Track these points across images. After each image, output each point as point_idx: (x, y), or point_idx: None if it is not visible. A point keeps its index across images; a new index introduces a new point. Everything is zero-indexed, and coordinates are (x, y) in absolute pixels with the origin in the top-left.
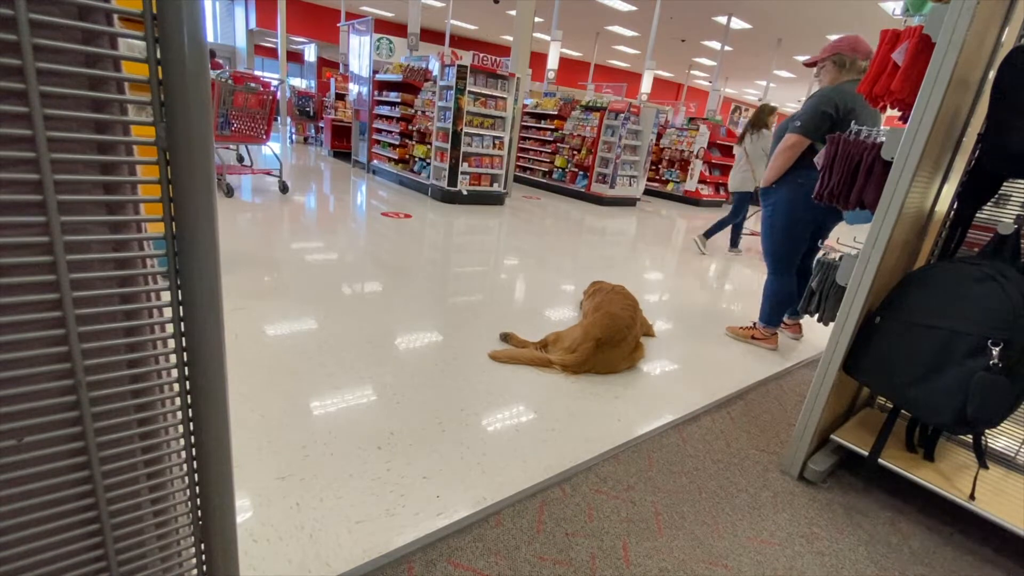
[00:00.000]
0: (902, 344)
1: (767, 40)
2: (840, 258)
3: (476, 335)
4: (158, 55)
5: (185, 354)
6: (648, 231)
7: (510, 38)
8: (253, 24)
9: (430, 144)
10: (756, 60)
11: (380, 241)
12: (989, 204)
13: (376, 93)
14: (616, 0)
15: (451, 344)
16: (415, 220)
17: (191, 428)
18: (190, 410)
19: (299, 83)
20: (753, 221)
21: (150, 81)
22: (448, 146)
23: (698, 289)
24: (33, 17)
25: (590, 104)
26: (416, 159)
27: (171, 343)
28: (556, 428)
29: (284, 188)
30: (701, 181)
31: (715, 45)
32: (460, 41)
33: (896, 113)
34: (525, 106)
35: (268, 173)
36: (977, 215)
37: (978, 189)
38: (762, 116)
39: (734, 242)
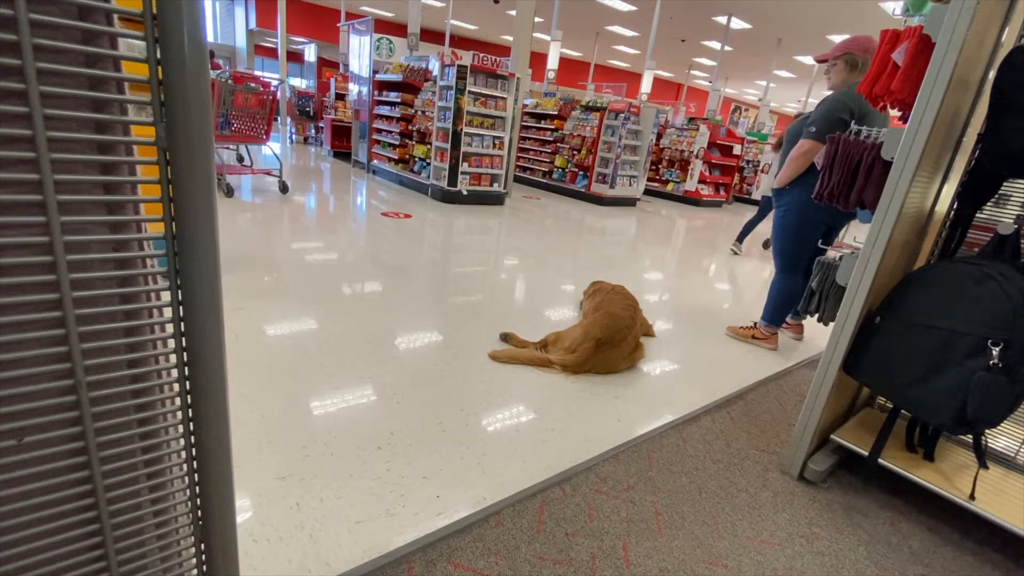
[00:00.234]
0: (902, 344)
1: (767, 40)
2: (840, 258)
3: (476, 335)
4: (158, 55)
5: (185, 354)
6: (648, 231)
7: (510, 38)
8: (253, 24)
9: (430, 144)
10: (756, 60)
11: (380, 241)
12: (989, 204)
13: (376, 93)
14: (616, 0)
15: (451, 344)
16: (415, 220)
17: (191, 428)
18: (190, 410)
19: (299, 83)
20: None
21: (150, 81)
22: (448, 146)
23: (698, 289)
24: (33, 17)
25: (590, 104)
26: (416, 159)
27: (171, 343)
28: (556, 428)
29: (284, 188)
30: (701, 181)
31: (715, 45)
32: (460, 41)
33: (896, 113)
34: (525, 106)
35: (268, 173)
36: (977, 215)
37: (978, 189)
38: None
39: (740, 238)
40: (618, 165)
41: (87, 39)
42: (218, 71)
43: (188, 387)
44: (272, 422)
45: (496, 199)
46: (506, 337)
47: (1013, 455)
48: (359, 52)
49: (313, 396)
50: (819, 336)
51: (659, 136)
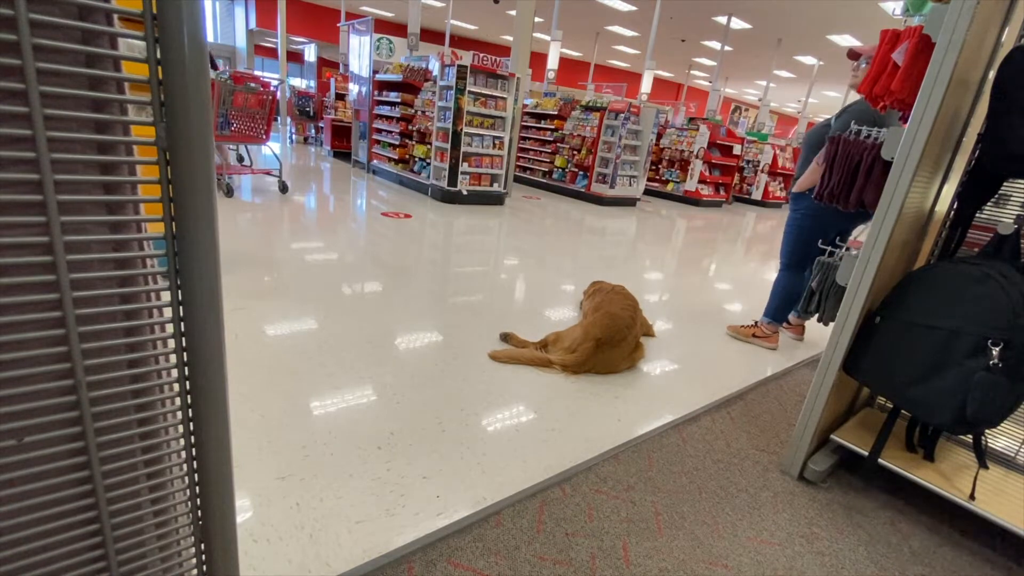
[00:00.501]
0: (902, 344)
1: (767, 40)
2: (840, 258)
3: (476, 335)
4: (158, 55)
5: (185, 354)
6: (648, 231)
7: (510, 38)
8: (253, 24)
9: (430, 144)
10: (756, 60)
11: (380, 241)
12: (989, 204)
13: (376, 93)
14: (616, 0)
15: (451, 344)
16: (415, 220)
17: (191, 428)
18: (190, 410)
19: (299, 83)
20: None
21: (150, 81)
22: (448, 146)
23: (698, 289)
24: (33, 17)
25: (590, 104)
26: (416, 159)
27: (171, 343)
28: (556, 428)
29: (284, 188)
30: (701, 181)
31: (715, 45)
32: (460, 41)
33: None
34: (525, 106)
35: (268, 173)
36: (977, 215)
37: (978, 189)
38: None
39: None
40: (618, 165)
41: (87, 39)
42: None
43: (188, 387)
44: (272, 422)
45: (496, 199)
46: (506, 337)
47: (1013, 455)
48: (359, 52)
49: (313, 396)
50: (819, 336)
51: (659, 136)
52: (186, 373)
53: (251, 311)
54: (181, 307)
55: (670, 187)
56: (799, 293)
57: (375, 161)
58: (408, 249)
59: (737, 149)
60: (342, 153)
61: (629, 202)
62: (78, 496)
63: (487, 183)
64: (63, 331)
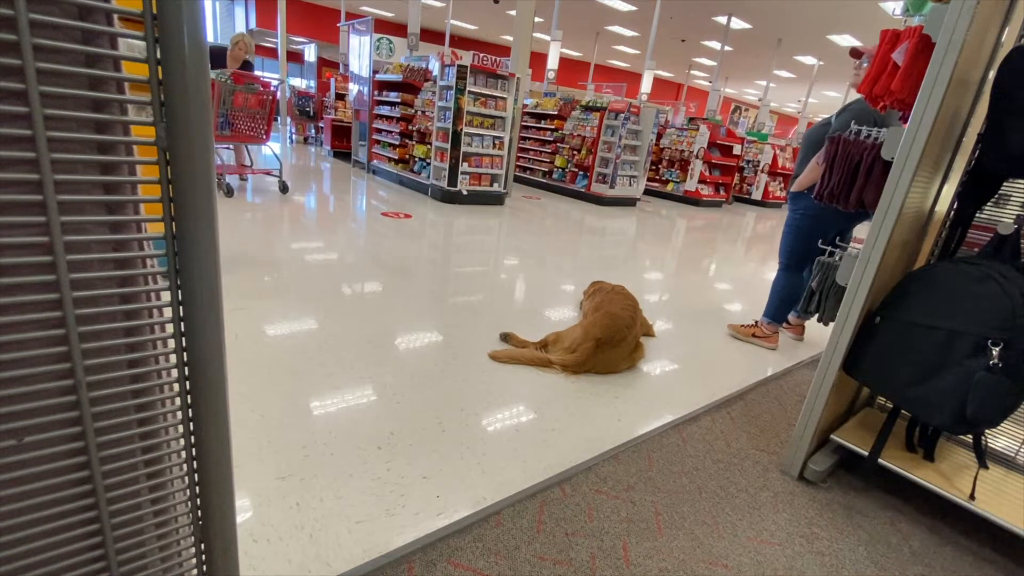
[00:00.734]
0: (902, 344)
1: (767, 40)
2: (840, 258)
3: (476, 335)
4: (158, 55)
5: (185, 354)
6: (648, 231)
7: (510, 38)
8: (253, 24)
9: (430, 144)
10: (756, 60)
11: (380, 241)
12: (989, 204)
13: (376, 93)
14: (616, 0)
15: (451, 344)
16: (415, 220)
17: (191, 428)
18: (190, 410)
19: (299, 83)
20: None
21: (150, 81)
22: (448, 146)
23: (698, 289)
24: (33, 17)
25: (590, 104)
26: (416, 159)
27: (171, 343)
28: (556, 428)
29: (284, 188)
30: (701, 181)
31: (715, 45)
32: (460, 41)
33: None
34: (525, 106)
35: (268, 173)
36: (977, 215)
37: (978, 189)
38: None
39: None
40: (618, 165)
41: (87, 39)
42: (218, 71)
43: (188, 387)
44: (272, 422)
45: (496, 199)
46: (506, 337)
47: (1013, 455)
48: (359, 52)
49: (313, 396)
50: (819, 336)
51: (659, 136)
52: (186, 373)
53: (251, 311)
54: (181, 307)
55: (670, 187)
56: (798, 293)
57: (375, 161)
58: (408, 249)
59: (737, 149)
60: (342, 153)
61: (629, 202)
62: (78, 496)
63: (487, 183)
64: (63, 331)
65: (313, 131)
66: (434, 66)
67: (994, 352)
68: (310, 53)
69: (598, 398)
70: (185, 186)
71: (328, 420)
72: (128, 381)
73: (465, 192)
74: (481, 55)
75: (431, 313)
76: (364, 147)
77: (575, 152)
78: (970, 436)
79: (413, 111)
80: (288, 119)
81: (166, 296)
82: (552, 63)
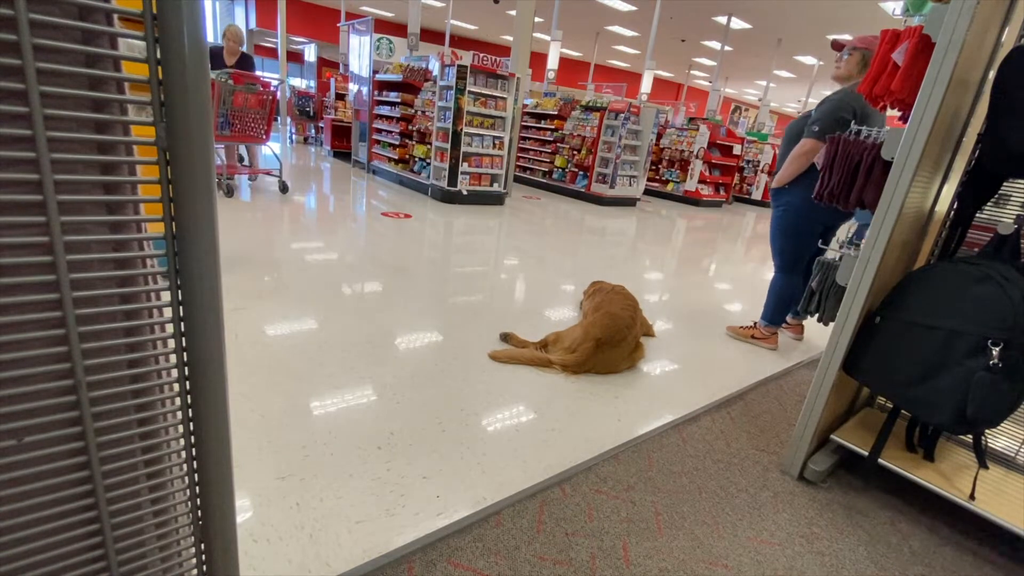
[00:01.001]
0: (902, 344)
1: (767, 40)
2: (840, 258)
3: (476, 335)
4: (158, 55)
5: (185, 354)
6: (648, 231)
7: (510, 38)
8: (253, 24)
9: (430, 144)
10: (756, 60)
11: (380, 241)
12: (989, 204)
13: (376, 93)
14: (616, 0)
15: (451, 344)
16: (415, 220)
17: (191, 428)
18: (190, 410)
19: (299, 83)
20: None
21: (150, 81)
22: (448, 146)
23: (698, 289)
24: (33, 17)
25: (590, 104)
26: (416, 159)
27: (171, 343)
28: (556, 428)
29: (284, 188)
30: (701, 181)
31: (715, 45)
32: (460, 41)
33: (896, 113)
34: (525, 106)
35: (268, 173)
36: (977, 215)
37: (978, 189)
38: None
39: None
40: (618, 165)
41: (87, 39)
42: (218, 71)
43: (188, 387)
44: (272, 422)
45: (496, 199)
46: (506, 337)
47: (1013, 455)
48: (359, 52)
49: (313, 396)
50: (819, 336)
51: (659, 136)
52: (186, 373)
53: (251, 311)
54: (181, 307)
55: (670, 187)
56: (794, 296)
57: (375, 161)
58: (408, 249)
59: (737, 149)
60: (342, 153)
61: (629, 202)
62: (78, 496)
63: (487, 183)
64: (63, 331)
65: (313, 131)
66: (434, 66)
67: (994, 352)
68: (310, 53)
69: (598, 398)
70: (185, 186)
71: (328, 420)
72: (128, 381)
73: (465, 192)
74: (481, 55)
75: (431, 313)
76: (364, 147)
77: (575, 152)
78: (970, 436)
79: (413, 111)
80: (288, 119)
81: (166, 296)
82: (552, 63)
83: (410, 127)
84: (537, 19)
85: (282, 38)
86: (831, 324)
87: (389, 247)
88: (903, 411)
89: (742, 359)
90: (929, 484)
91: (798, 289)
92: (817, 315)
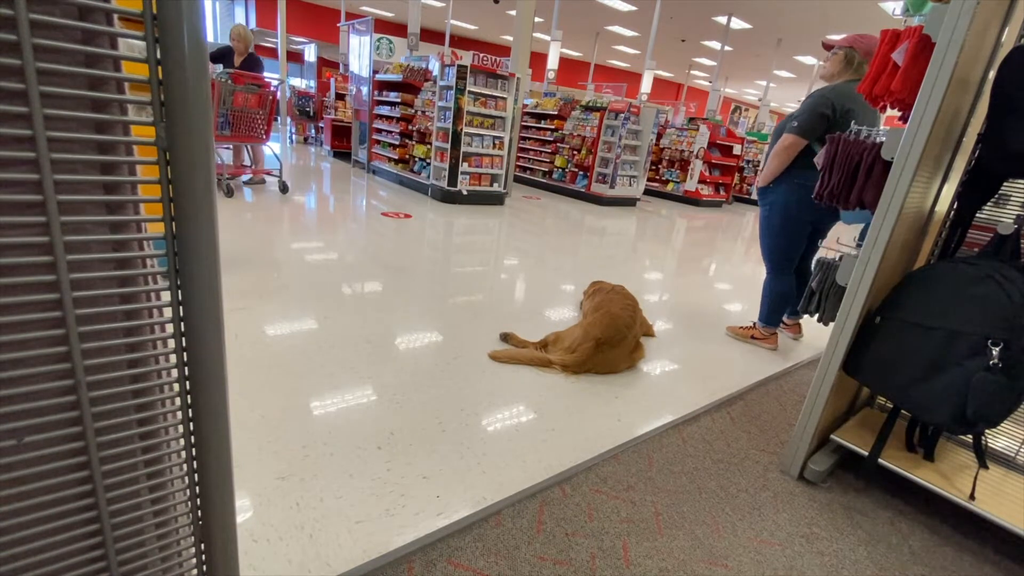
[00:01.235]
0: (902, 344)
1: (767, 40)
2: (840, 258)
3: (476, 335)
4: (158, 55)
5: (185, 354)
6: (648, 231)
7: (510, 38)
8: (253, 24)
9: (430, 144)
10: (756, 60)
11: (380, 241)
12: (989, 204)
13: (376, 93)
14: (616, 0)
15: (451, 344)
16: (415, 220)
17: (191, 428)
18: (190, 410)
19: (299, 83)
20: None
21: (150, 81)
22: (448, 146)
23: (698, 289)
24: (33, 17)
25: (590, 104)
26: (416, 159)
27: (171, 343)
28: (556, 428)
29: (284, 188)
30: (701, 181)
31: (715, 45)
32: (460, 41)
33: (896, 113)
34: (525, 106)
35: (268, 173)
36: (977, 215)
37: (978, 189)
38: None
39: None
40: (618, 165)
41: (87, 39)
42: (219, 71)
43: (188, 387)
44: (272, 422)
45: (496, 199)
46: (506, 337)
47: (1013, 455)
48: (359, 52)
49: (313, 396)
50: (819, 336)
51: (659, 136)
52: (186, 373)
53: (251, 311)
54: (181, 307)
55: (670, 187)
56: (788, 296)
57: (375, 161)
58: (408, 249)
59: (737, 149)
60: (342, 153)
61: (629, 202)
62: (78, 496)
63: (487, 183)
64: (63, 331)
65: (313, 131)
66: (434, 66)
67: (994, 352)
68: (310, 53)
69: (598, 398)
70: (185, 186)
71: (328, 420)
72: (128, 381)
73: (465, 192)
74: (481, 55)
75: (431, 313)
76: (364, 147)
77: (575, 152)
78: (970, 436)
79: (413, 111)
80: (288, 119)
81: (166, 296)
82: (552, 63)
83: (410, 127)
84: (537, 19)
85: (282, 38)
86: (831, 324)
87: (389, 247)
88: (903, 411)
89: (742, 359)
90: (929, 484)
91: (791, 289)
92: (817, 315)
